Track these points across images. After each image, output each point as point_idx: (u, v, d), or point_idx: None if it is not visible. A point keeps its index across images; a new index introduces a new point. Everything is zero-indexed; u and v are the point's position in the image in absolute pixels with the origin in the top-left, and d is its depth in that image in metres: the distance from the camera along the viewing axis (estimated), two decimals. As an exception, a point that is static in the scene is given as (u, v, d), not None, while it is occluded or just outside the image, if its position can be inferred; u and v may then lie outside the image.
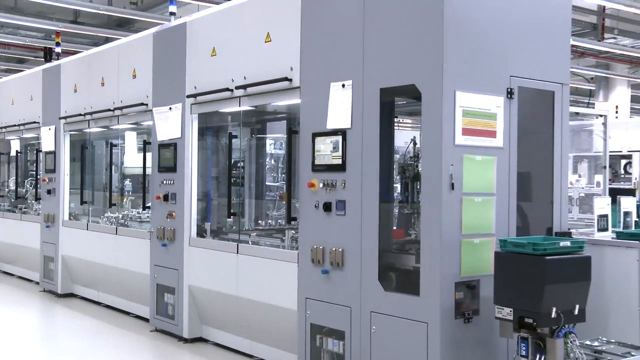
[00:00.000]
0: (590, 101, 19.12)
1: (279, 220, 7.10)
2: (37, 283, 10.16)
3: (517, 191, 4.90)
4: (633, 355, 4.68)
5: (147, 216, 8.07)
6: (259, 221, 7.42)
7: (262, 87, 5.97)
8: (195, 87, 6.84)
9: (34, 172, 10.96)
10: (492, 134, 4.74)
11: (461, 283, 4.53)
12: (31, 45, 14.51)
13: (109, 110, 8.28)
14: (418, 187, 5.30)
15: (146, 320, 7.68)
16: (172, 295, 7.12)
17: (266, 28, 5.96)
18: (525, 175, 5.09)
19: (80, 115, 8.91)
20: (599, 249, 5.61)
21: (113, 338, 7.36)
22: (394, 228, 5.46)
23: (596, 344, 4.87)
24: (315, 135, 5.35)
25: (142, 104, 7.68)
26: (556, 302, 4.06)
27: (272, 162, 7.69)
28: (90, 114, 8.70)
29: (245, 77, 6.18)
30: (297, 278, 5.54)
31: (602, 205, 6.16)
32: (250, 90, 6.15)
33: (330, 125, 5.22)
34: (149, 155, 7.75)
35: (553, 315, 4.04)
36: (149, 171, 7.76)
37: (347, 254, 5.08)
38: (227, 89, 6.38)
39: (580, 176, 13.49)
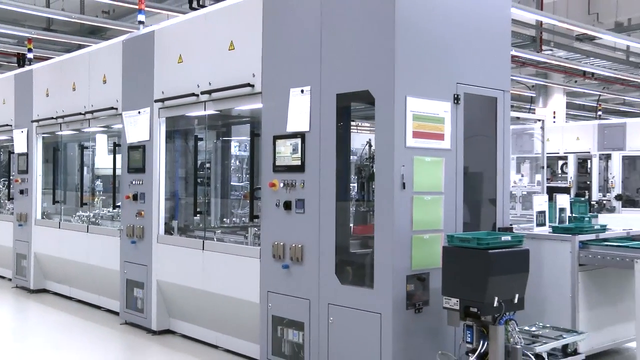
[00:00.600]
0: (531, 107, 19.48)
1: (243, 218, 7.05)
2: (10, 279, 9.90)
3: (465, 190, 4.95)
4: (564, 338, 4.79)
5: (118, 214, 7.94)
6: (224, 219, 7.35)
7: (226, 93, 5.92)
8: (162, 92, 6.75)
9: (7, 173, 10.69)
10: (440, 136, 4.77)
11: (412, 276, 4.55)
12: (4, 51, 14.15)
13: (80, 114, 8.12)
14: (373, 186, 5.31)
15: (116, 313, 7.56)
16: (141, 289, 7.02)
17: (230, 37, 5.91)
18: (472, 175, 5.14)
19: (52, 118, 8.70)
20: (537, 243, 5.72)
21: (84, 331, 7.22)
22: (352, 225, 5.47)
23: (533, 329, 4.97)
24: (276, 137, 5.33)
25: (112, 108, 7.55)
26: (498, 292, 4.11)
27: (237, 163, 7.63)
28: (62, 117, 8.52)
29: (210, 83, 6.12)
30: (259, 273, 5.51)
31: (540, 202, 6.27)
32: (214, 95, 6.09)
33: (290, 128, 5.20)
34: (119, 156, 7.62)
35: (495, 304, 4.10)
36: (119, 172, 7.62)
37: (306, 249, 5.06)
38: (193, 94, 6.30)
39: (522, 176, 13.70)
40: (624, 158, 14.90)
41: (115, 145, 7.81)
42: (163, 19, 9.95)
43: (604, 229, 6.15)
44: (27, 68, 9.90)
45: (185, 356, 6.18)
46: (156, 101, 6.82)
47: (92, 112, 7.92)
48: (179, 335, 6.78)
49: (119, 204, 7.66)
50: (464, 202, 4.96)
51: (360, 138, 6.01)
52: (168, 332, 6.89)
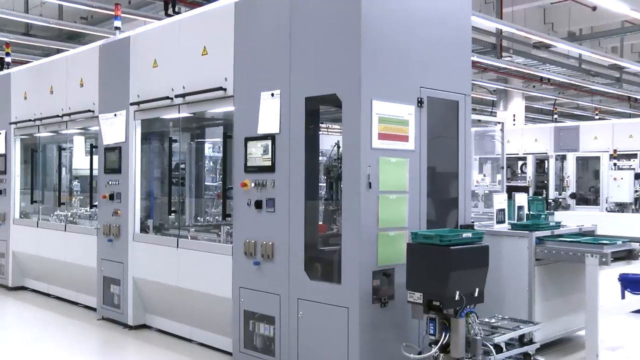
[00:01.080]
0: (493, 110, 19.69)
1: (216, 217, 6.98)
2: (-11, 278, 9.69)
3: (429, 189, 4.95)
4: (521, 328, 4.84)
5: (95, 214, 7.80)
6: (198, 218, 7.28)
7: (199, 96, 5.84)
8: (138, 96, 6.65)
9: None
10: (404, 138, 4.77)
11: (378, 271, 4.54)
12: (-17, 55, 13.83)
13: (58, 116, 7.97)
14: (341, 186, 5.29)
15: (94, 309, 7.43)
16: (117, 286, 6.92)
17: (203, 42, 5.84)
18: (435, 174, 5.15)
19: (30, 120, 8.53)
20: (497, 239, 5.75)
21: (62, 327, 7.08)
22: (320, 222, 5.44)
23: (493, 320, 5.00)
24: (247, 139, 5.28)
25: (89, 110, 7.43)
26: (459, 287, 4.12)
27: (211, 164, 7.56)
28: (40, 119, 8.35)
29: (184, 87, 6.05)
30: (231, 269, 5.45)
31: (500, 200, 6.31)
32: (188, 98, 6.01)
33: (261, 130, 5.16)
34: (95, 157, 7.50)
35: (457, 298, 4.10)
36: (96, 172, 7.50)
37: (276, 247, 5.03)
38: (168, 97, 6.22)
39: (485, 175, 13.82)
40: (578, 159, 15.15)
41: (92, 146, 7.70)
42: (140, 25, 9.81)
43: (558, 225, 6.22)
44: (5, 72, 9.67)
45: (161, 350, 6.10)
46: (132, 104, 6.72)
47: (69, 114, 7.78)
48: (154, 330, 6.70)
49: (96, 203, 7.53)
50: (429, 201, 4.96)
51: (331, 140, 5.99)
52: (144, 327, 6.80)
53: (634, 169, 13.97)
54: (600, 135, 15.08)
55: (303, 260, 4.84)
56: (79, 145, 8.61)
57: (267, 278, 5.11)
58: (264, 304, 5.14)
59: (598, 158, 14.69)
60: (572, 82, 17.95)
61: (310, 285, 4.79)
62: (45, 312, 7.77)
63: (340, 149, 5.36)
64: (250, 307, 5.28)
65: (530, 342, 4.96)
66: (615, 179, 13.83)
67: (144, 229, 6.84)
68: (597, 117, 22.27)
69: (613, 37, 16.25)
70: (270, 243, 5.06)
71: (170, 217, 6.95)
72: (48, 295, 8.51)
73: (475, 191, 10.89)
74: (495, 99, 20.11)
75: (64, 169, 8.83)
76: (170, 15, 8.40)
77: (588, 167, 15.53)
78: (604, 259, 5.33)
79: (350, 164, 4.53)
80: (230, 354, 5.57)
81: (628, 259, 5.69)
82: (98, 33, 11.40)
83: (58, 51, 12.28)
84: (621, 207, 13.88)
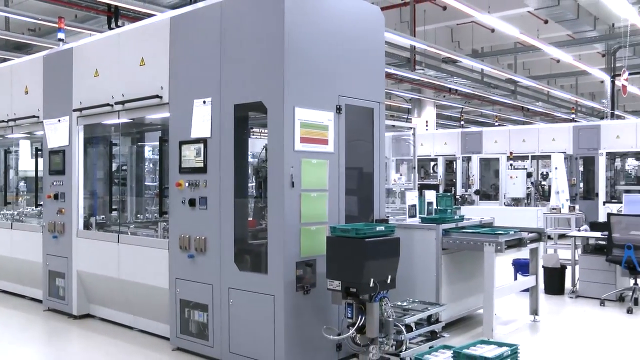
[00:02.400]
0: (408, 117, 20.04)
1: (155, 214, 6.76)
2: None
3: (348, 187, 4.92)
4: (429, 310, 4.89)
5: (41, 212, 7.42)
6: (138, 215, 7.03)
7: (137, 103, 5.63)
8: (80, 102, 6.36)
9: None
10: (324, 141, 4.73)
11: (301, 262, 4.49)
12: None
13: (3, 121, 7.53)
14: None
15: (40, 301, 7.07)
16: (62, 279, 6.61)
17: (141, 53, 5.64)
18: (354, 174, 5.13)
19: (-24, 125, 8.03)
20: (409, 231, 5.81)
21: (8, 317, 6.70)
22: (250, 218, 5.34)
23: (405, 303, 5.03)
24: (181, 143, 5.13)
25: (34, 116, 7.05)
26: (373, 274, 4.10)
27: (150, 165, 7.31)
28: (-15, 124, 7.87)
29: (123, 95, 5.81)
30: (168, 262, 5.28)
31: (412, 197, 6.38)
32: (127, 105, 5.78)
33: (194, 134, 5.02)
34: (41, 160, 7.15)
35: (371, 284, 4.09)
36: (41, 174, 7.14)
37: (208, 241, 4.90)
38: (108, 104, 5.97)
39: (401, 175, 14.00)
40: (481, 160, 15.59)
41: (37, 150, 7.32)
42: (86, 37, 9.40)
43: (462, 218, 6.35)
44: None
45: (104, 337, 5.85)
46: (74, 110, 6.42)
47: (14, 119, 7.36)
48: (98, 319, 6.43)
49: (41, 202, 7.17)
50: (347, 198, 4.93)
51: (263, 143, 5.88)
52: (88, 316, 6.52)
53: (526, 168, 14.49)
54: (500, 140, 15.57)
55: (233, 252, 4.73)
56: (25, 149, 8.18)
57: (201, 269, 4.97)
58: (198, 293, 5.00)
59: (497, 159, 15.16)
60: (476, 93, 18.49)
61: (239, 275, 4.68)
62: (-8, 306, 7.33)
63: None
64: (186, 296, 5.12)
65: (437, 321, 5.01)
66: (511, 177, 14.31)
67: (87, 226, 6.55)
68: (497, 124, 23.02)
69: (508, 55, 16.85)
70: (203, 238, 4.93)
71: (111, 214, 6.69)
72: (-6, 289, 8.04)
73: (393, 189, 11.02)
74: (410, 107, 20.47)
75: (10, 171, 8.37)
76: (113, 29, 8.09)
77: (490, 167, 16.02)
78: (499, 247, 5.48)
79: (275, 165, 4.46)
80: (167, 339, 5.40)
81: (519, 246, 5.88)
82: (44, 44, 10.87)
83: (4, 60, 11.63)
84: (516, 202, 14.39)
